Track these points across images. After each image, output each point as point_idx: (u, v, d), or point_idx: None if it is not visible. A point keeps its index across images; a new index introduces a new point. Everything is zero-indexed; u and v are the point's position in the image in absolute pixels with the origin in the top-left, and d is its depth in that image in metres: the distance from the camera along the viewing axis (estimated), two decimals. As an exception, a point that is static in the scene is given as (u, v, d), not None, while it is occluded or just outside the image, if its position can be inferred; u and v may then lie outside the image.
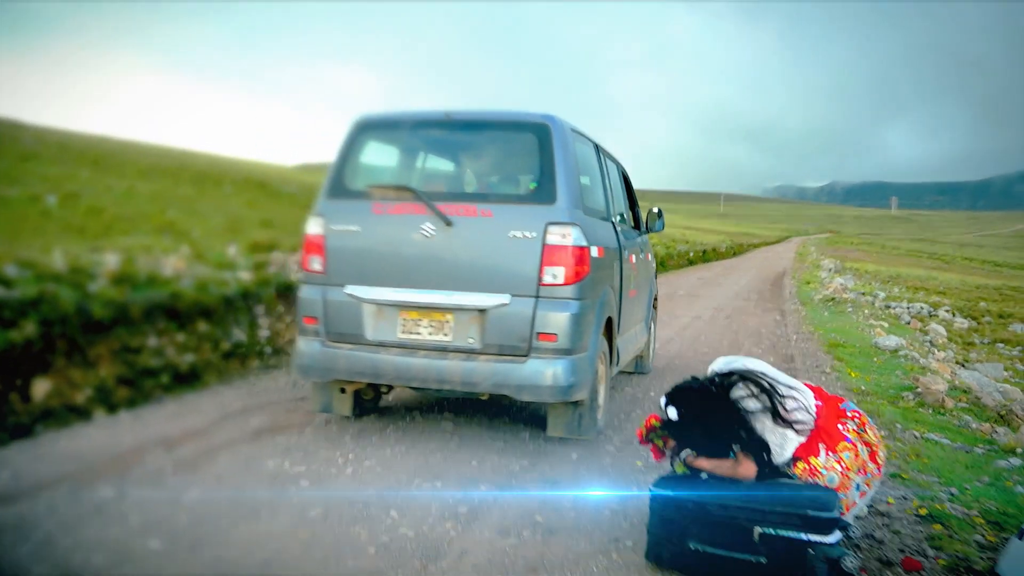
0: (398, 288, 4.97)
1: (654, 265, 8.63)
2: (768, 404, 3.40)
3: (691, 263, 30.71)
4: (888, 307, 22.04)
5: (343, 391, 5.42)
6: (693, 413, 3.54)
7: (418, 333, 4.94)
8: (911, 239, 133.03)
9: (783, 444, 3.41)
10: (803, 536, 3.10)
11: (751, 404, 3.43)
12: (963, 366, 12.54)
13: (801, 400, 3.50)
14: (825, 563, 3.06)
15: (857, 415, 3.63)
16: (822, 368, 8.99)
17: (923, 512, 4.25)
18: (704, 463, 3.54)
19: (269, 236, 11.20)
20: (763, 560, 3.14)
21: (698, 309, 14.86)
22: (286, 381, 6.76)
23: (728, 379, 3.52)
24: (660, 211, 7.53)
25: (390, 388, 5.84)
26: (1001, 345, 21.24)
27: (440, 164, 6.01)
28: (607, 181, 6.31)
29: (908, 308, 23.22)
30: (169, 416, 5.55)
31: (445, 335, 4.90)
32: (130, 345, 6.21)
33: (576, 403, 5.00)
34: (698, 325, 12.48)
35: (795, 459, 3.44)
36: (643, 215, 7.55)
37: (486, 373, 4.77)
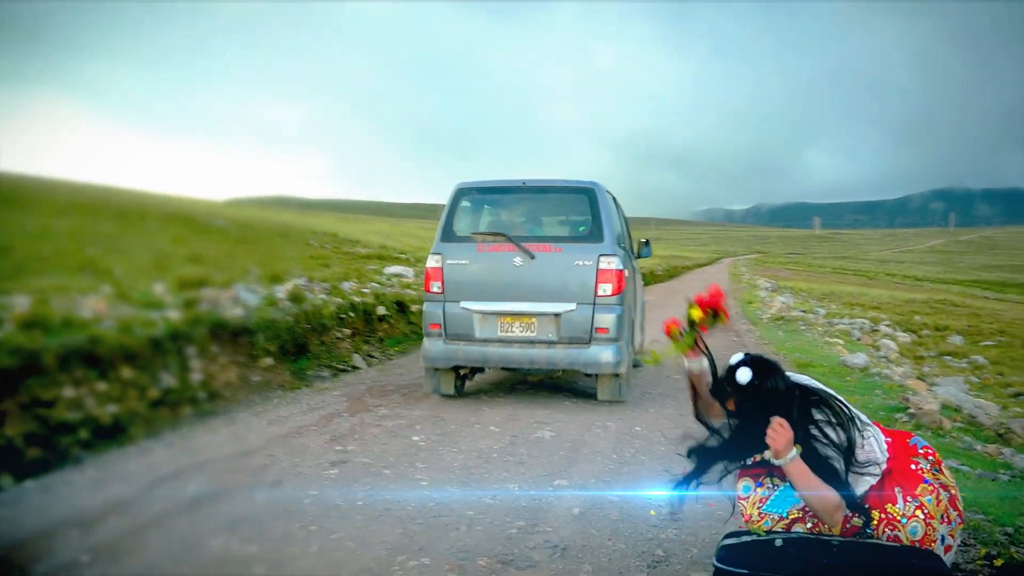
0: (497, 301, 6.98)
1: (642, 281, 10.76)
2: (844, 440, 2.77)
3: (633, 286, 30.30)
4: (832, 323, 21.93)
5: (458, 375, 7.42)
6: (767, 391, 2.82)
7: (512, 331, 6.96)
8: (835, 257, 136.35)
9: (854, 487, 2.79)
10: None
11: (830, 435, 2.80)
12: (923, 380, 12.28)
13: (873, 435, 2.88)
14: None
15: (930, 452, 3.02)
16: (802, 391, 8.47)
17: (999, 563, 3.65)
18: (799, 474, 2.79)
19: (199, 272, 10.32)
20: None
21: (653, 332, 14.31)
22: (227, 432, 5.90)
23: (809, 393, 2.88)
24: (647, 241, 9.21)
25: (474, 374, 7.90)
26: (948, 358, 21.29)
27: (520, 215, 7.80)
28: (621, 221, 8.08)
29: (851, 324, 23.17)
30: (88, 484, 4.64)
31: (532, 332, 6.94)
32: (42, 398, 5.32)
33: (617, 375, 7.08)
34: (658, 348, 11.91)
35: (868, 508, 2.81)
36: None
37: (562, 356, 6.88)
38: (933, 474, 2.92)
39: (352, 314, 10.30)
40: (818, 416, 2.83)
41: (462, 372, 7.49)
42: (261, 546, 3.73)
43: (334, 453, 5.40)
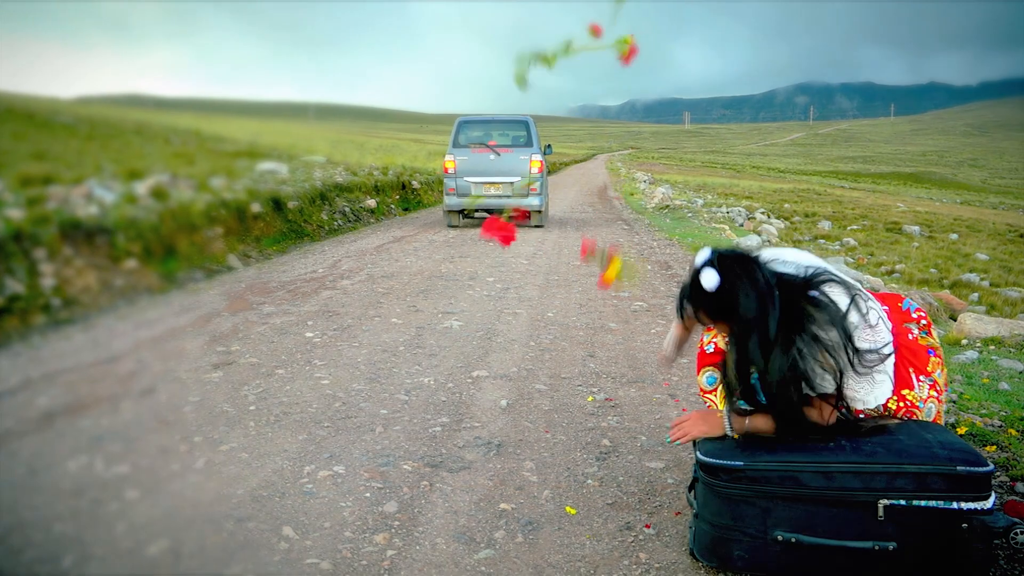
0: (484, 176, 12.94)
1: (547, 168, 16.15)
2: (841, 356, 2.24)
3: (515, 182, 29.83)
4: (712, 212, 22.18)
5: (460, 214, 13.24)
6: (738, 298, 2.17)
7: (490, 191, 12.96)
8: (704, 151, 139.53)
9: (881, 384, 2.35)
10: (953, 505, 2.07)
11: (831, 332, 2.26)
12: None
13: (876, 310, 2.42)
14: (988, 541, 2.05)
15: (922, 315, 2.64)
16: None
17: (962, 431, 3.40)
18: (760, 423, 2.36)
19: (44, 169, 9.16)
20: (892, 546, 2.10)
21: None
22: (86, 339, 5.10)
23: (793, 288, 2.24)
24: (550, 145, 14.16)
25: (469, 214, 13.56)
26: (822, 241, 21.92)
27: (491, 133, 13.52)
28: (537, 133, 13.67)
29: (729, 212, 23.52)
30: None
31: (499, 191, 12.96)
32: None
33: (541, 212, 13.31)
34: (552, 238, 11.57)
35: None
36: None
37: (514, 202, 12.91)
38: (923, 338, 2.55)
39: (224, 212, 9.40)
40: (811, 322, 2.21)
41: (464, 214, 13.33)
42: (133, 464, 3.06)
43: (216, 355, 4.69)
